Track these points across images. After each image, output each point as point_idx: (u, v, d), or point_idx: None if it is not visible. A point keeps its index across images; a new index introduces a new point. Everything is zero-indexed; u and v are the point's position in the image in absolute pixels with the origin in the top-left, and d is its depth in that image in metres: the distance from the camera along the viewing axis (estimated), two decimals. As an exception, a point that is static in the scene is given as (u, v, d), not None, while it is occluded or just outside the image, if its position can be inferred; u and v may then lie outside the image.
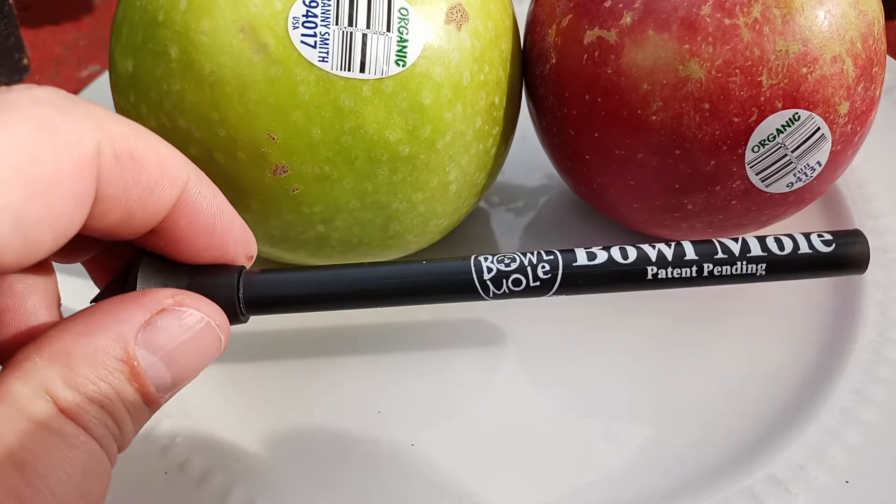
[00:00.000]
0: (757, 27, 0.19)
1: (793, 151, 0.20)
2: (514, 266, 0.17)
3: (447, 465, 0.21)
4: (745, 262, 0.17)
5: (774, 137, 0.20)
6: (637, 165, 0.21)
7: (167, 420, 0.22)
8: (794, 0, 0.19)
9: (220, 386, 0.23)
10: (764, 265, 0.17)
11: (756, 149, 0.20)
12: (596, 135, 0.21)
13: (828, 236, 0.17)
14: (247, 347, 0.24)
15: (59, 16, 0.42)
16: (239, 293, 0.16)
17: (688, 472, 0.21)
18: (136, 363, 0.14)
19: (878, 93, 0.22)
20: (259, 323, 0.25)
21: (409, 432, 0.22)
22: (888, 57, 0.30)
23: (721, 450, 0.21)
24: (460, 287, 0.16)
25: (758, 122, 0.19)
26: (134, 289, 0.15)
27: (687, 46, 0.19)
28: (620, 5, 0.20)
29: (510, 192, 0.29)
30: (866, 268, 0.18)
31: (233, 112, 0.18)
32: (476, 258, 0.17)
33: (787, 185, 0.21)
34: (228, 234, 0.16)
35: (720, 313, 0.24)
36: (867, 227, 0.26)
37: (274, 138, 0.19)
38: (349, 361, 0.24)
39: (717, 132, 0.20)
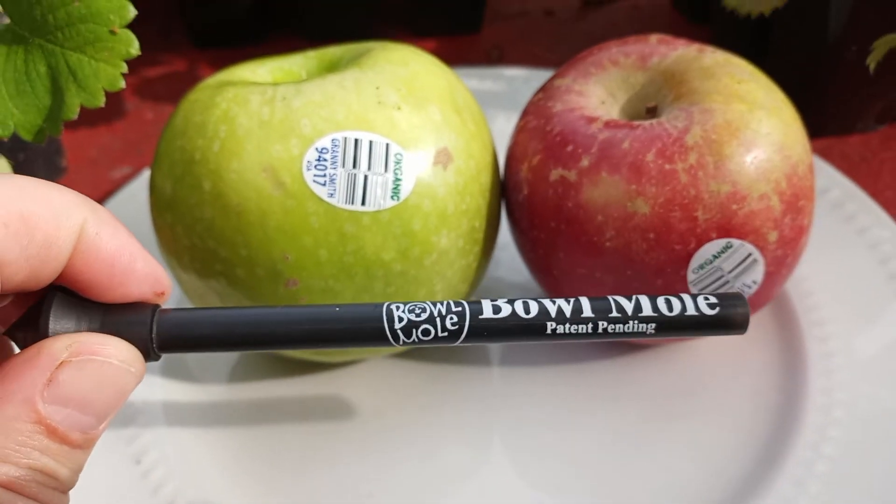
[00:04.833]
0: (692, 171, 0.23)
1: (729, 272, 0.24)
2: (423, 317, 0.17)
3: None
4: (636, 322, 0.18)
5: (711, 262, 0.23)
6: (596, 282, 0.24)
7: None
8: (725, 148, 0.23)
9: (212, 464, 0.26)
10: (654, 325, 0.18)
11: (696, 271, 0.23)
12: (561, 255, 0.25)
13: (713, 299, 0.18)
14: (235, 423, 0.27)
15: (94, 119, 0.46)
16: (152, 332, 0.16)
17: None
18: (49, 421, 0.14)
19: (806, 222, 0.25)
20: (248, 400, 0.28)
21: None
22: (841, 175, 0.34)
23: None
24: (372, 334, 0.17)
25: (696, 249, 0.23)
26: (46, 331, 0.16)
27: (634, 186, 0.23)
28: (580, 150, 0.24)
29: (495, 290, 0.32)
30: (746, 329, 0.18)
31: (254, 236, 0.22)
32: (388, 307, 0.17)
33: (727, 301, 0.24)
34: (130, 274, 0.16)
35: (675, 413, 0.27)
36: (813, 334, 0.29)
37: (288, 258, 0.22)
38: (339, 444, 0.27)
39: (662, 257, 0.23)
